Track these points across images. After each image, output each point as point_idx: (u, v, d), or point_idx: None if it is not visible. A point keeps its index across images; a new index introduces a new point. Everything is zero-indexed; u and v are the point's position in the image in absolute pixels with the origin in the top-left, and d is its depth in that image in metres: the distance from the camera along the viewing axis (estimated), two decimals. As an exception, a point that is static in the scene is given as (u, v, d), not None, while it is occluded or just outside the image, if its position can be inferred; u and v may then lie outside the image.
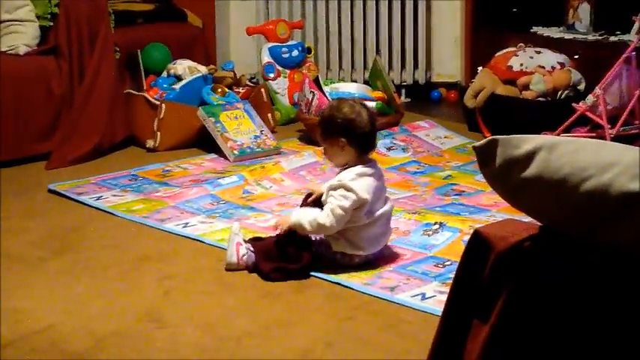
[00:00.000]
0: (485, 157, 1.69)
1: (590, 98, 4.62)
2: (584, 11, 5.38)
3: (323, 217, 3.04)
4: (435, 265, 3.18)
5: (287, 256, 3.08)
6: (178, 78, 5.02)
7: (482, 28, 5.86)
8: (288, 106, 5.41)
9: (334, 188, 3.06)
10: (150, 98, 4.86)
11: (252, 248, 3.13)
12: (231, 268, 3.14)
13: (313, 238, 3.13)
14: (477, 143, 1.71)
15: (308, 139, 4.91)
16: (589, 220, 1.58)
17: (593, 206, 1.56)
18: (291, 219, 3.10)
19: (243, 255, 3.13)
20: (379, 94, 5.13)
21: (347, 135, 3.07)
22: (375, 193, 3.08)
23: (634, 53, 4.60)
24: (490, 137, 1.69)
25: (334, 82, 5.42)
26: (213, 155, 4.66)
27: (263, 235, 3.31)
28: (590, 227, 1.59)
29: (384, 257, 3.22)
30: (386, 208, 3.16)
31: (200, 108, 4.76)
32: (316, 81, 4.96)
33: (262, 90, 5.22)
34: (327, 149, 3.17)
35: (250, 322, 2.79)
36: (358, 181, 3.05)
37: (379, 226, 3.14)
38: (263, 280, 3.08)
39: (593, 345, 1.63)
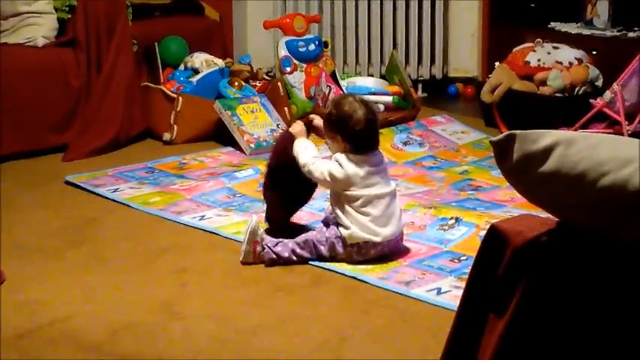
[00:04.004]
0: (502, 151, 1.69)
1: (607, 94, 4.60)
2: (603, 7, 5.35)
3: (315, 165, 3.16)
4: (450, 260, 3.18)
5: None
6: (195, 71, 5.02)
7: (499, 23, 5.83)
8: (304, 100, 5.40)
9: (335, 159, 3.16)
10: (167, 91, 4.87)
11: (269, 245, 3.14)
12: (247, 262, 3.16)
13: (327, 235, 3.15)
14: (495, 138, 1.70)
15: (324, 133, 4.91)
16: (606, 216, 1.58)
17: (611, 202, 1.56)
18: (296, 144, 3.23)
19: (260, 252, 3.14)
20: (396, 88, 5.12)
21: (342, 132, 3.14)
22: (368, 175, 3.11)
23: (652, 49, 4.58)
24: (508, 132, 1.68)
25: (351, 77, 5.42)
26: (230, 148, 4.67)
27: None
28: (608, 222, 1.59)
29: (399, 252, 3.22)
30: (388, 189, 3.17)
31: (217, 101, 4.76)
32: (333, 75, 4.96)
33: (279, 84, 5.22)
34: (328, 142, 3.25)
35: (266, 315, 2.80)
36: (350, 164, 3.11)
37: (385, 205, 3.14)
38: (278, 274, 3.09)
39: (609, 340, 1.63)
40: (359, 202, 3.11)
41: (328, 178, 3.12)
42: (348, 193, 3.12)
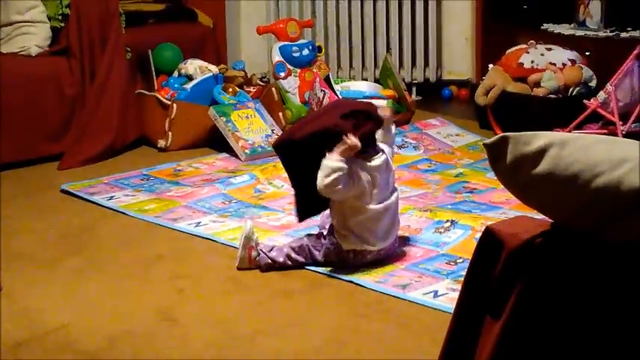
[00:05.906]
0: (496, 154, 1.69)
1: (601, 95, 4.61)
2: (595, 8, 5.36)
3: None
4: (447, 263, 3.18)
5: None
6: (189, 78, 5.03)
7: (492, 26, 5.84)
8: (299, 105, 5.40)
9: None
10: (161, 98, 4.87)
11: (264, 250, 3.14)
12: (242, 268, 3.16)
13: (323, 242, 3.15)
14: (488, 140, 1.71)
15: (319, 137, 4.91)
16: (600, 217, 1.58)
17: (605, 203, 1.56)
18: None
19: (255, 257, 3.14)
20: (390, 92, 5.13)
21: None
22: (376, 183, 3.08)
23: (645, 49, 4.59)
24: (501, 134, 1.69)
25: (345, 81, 5.42)
26: (225, 154, 4.67)
27: (276, 236, 3.31)
28: (602, 224, 1.59)
29: (395, 255, 3.23)
30: (392, 199, 3.16)
31: (211, 107, 4.77)
32: (327, 80, 4.96)
33: (273, 89, 5.22)
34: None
35: (263, 321, 2.80)
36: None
37: (387, 218, 3.14)
38: (275, 280, 3.09)
39: (605, 341, 1.63)
40: (363, 216, 3.08)
41: (340, 186, 2.99)
42: (358, 204, 3.07)
